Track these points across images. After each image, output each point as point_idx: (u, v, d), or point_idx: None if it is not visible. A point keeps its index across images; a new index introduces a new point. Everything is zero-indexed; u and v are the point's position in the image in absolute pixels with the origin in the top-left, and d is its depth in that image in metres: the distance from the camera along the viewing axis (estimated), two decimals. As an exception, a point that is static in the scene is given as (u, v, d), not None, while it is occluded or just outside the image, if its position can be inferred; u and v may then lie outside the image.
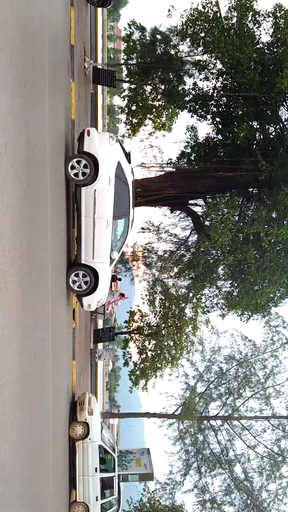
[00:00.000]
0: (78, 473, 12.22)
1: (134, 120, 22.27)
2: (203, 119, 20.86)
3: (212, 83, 20.16)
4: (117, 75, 20.33)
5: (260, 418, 23.11)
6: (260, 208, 17.17)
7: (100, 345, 25.35)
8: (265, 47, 18.28)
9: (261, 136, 19.48)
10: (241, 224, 18.58)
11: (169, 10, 19.36)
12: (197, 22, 18.65)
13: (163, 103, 21.35)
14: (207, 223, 18.84)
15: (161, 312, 22.13)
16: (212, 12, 18.57)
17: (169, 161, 22.27)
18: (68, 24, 11.78)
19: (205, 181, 18.97)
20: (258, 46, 18.24)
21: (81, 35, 15.18)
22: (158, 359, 21.42)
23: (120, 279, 25.50)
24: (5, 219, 5.02)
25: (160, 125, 22.72)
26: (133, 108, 21.82)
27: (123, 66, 22.19)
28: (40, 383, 7.24)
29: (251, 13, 18.10)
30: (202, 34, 18.62)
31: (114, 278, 22.55)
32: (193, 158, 21.49)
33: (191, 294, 22.27)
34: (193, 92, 20.32)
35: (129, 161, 11.54)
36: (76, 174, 10.36)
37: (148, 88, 21.30)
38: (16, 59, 5.45)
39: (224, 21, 18.47)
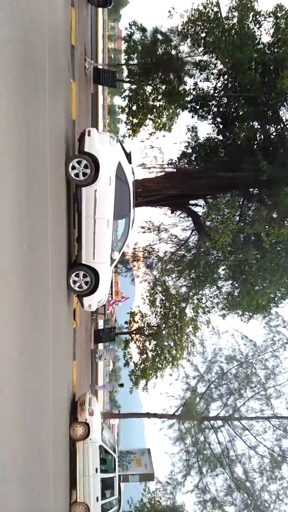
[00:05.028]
0: (79, 473, 12.21)
1: (135, 120, 22.26)
2: (203, 120, 20.87)
3: (213, 84, 20.20)
4: (118, 75, 20.31)
5: (260, 419, 23.07)
6: (261, 209, 17.18)
7: (100, 346, 25.36)
8: (266, 47, 18.30)
9: (262, 136, 19.48)
10: (242, 224, 18.59)
11: (169, 11, 19.38)
12: (198, 23, 18.66)
13: (164, 103, 21.35)
14: (207, 223, 18.84)
15: (162, 313, 22.11)
16: (213, 13, 18.59)
17: (169, 162, 22.28)
18: (68, 24, 11.78)
19: (206, 181, 18.98)
20: (258, 46, 18.26)
21: (82, 35, 15.17)
22: (159, 360, 21.41)
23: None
24: (5, 219, 5.02)
25: (161, 126, 22.71)
26: (134, 108, 21.82)
27: (123, 66, 22.19)
28: (41, 383, 7.23)
29: (251, 13, 18.11)
30: (203, 35, 18.64)
31: None
32: (193, 159, 21.49)
33: (191, 294, 22.26)
34: (194, 92, 20.34)
35: (130, 161, 11.53)
36: (76, 174, 10.35)
37: (149, 88, 21.29)
38: (16, 59, 5.44)
39: (225, 21, 18.49)
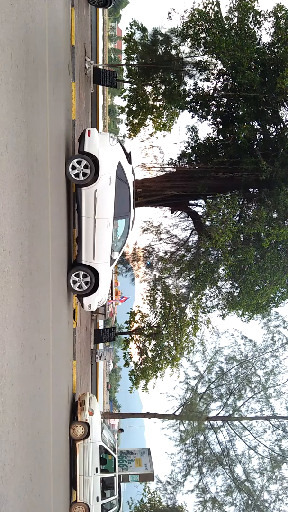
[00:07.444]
0: (79, 473, 12.23)
1: (135, 121, 22.27)
2: (203, 119, 20.87)
3: (213, 84, 20.19)
4: (118, 75, 20.34)
5: (260, 419, 23.08)
6: (261, 208, 17.18)
7: (100, 345, 25.39)
8: (266, 47, 18.29)
9: (262, 136, 19.48)
10: (242, 224, 18.58)
11: (169, 13, 19.37)
12: (198, 23, 18.64)
13: (164, 104, 21.36)
14: (207, 223, 18.83)
15: (162, 313, 22.12)
16: (213, 12, 18.58)
17: (169, 162, 22.28)
18: (68, 24, 11.79)
19: (206, 181, 18.99)
20: (259, 46, 18.25)
21: (82, 36, 15.18)
22: (159, 360, 21.42)
23: None
24: (6, 219, 5.02)
25: (161, 126, 22.73)
26: (134, 108, 21.83)
27: (123, 66, 22.19)
28: (41, 383, 7.23)
29: (252, 13, 18.10)
30: (203, 35, 18.62)
31: None
32: (193, 159, 21.50)
33: (191, 295, 22.26)
34: (194, 93, 20.34)
35: (130, 162, 11.54)
36: (76, 175, 10.37)
37: (149, 89, 21.31)
38: (16, 60, 5.45)
39: (225, 21, 18.48)
